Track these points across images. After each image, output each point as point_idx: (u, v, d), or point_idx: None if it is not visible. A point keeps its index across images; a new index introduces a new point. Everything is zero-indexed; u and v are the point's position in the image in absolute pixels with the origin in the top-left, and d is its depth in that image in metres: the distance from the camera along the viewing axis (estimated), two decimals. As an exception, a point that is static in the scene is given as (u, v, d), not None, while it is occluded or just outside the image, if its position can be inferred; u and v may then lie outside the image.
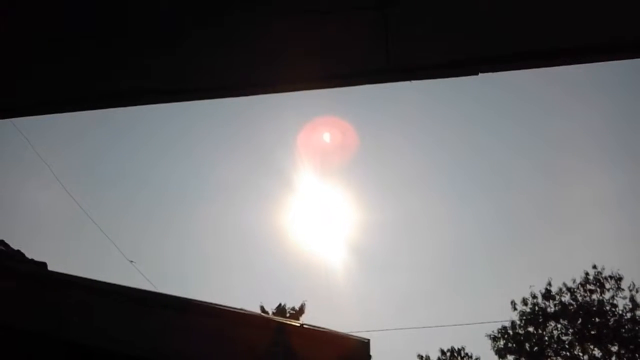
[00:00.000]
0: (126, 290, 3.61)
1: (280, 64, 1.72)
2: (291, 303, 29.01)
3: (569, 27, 1.48)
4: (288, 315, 27.40)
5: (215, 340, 3.22)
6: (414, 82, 1.59)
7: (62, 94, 2.55)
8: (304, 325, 3.44)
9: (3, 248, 4.52)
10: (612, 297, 26.49)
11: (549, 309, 27.44)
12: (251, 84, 1.84)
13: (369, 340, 3.36)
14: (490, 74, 1.53)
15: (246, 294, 35.20)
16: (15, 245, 4.76)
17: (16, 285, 3.73)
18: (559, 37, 1.44)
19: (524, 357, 27.29)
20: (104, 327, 3.44)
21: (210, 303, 3.54)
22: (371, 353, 3.38)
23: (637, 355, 25.41)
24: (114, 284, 3.70)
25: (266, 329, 3.36)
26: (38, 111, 2.54)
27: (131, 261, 15.48)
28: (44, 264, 4.19)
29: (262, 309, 26.99)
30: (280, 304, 28.64)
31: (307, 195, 32.36)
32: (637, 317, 25.58)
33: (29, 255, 4.61)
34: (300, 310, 28.66)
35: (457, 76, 1.54)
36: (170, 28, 1.89)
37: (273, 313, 26.71)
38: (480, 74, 1.52)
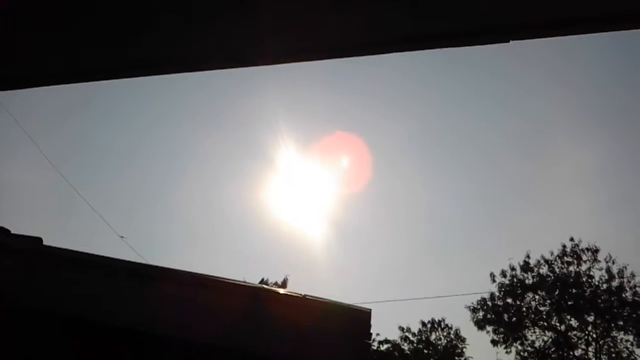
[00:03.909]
0: (119, 263, 3.61)
1: (304, 31, 1.68)
2: (273, 278, 29.18)
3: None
4: (271, 289, 27.51)
5: (208, 310, 3.22)
6: (441, 50, 1.57)
7: (64, 65, 2.49)
8: (306, 296, 3.46)
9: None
10: (589, 269, 27.04)
11: (527, 281, 27.93)
12: (271, 54, 1.80)
13: (370, 310, 3.39)
14: (521, 41, 1.51)
15: (228, 268, 35.35)
16: (2, 223, 4.68)
17: (11, 261, 3.69)
18: (600, 3, 1.42)
19: (503, 328, 27.82)
20: (99, 299, 3.42)
21: (208, 275, 3.53)
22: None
23: (612, 325, 26.07)
24: (108, 257, 3.68)
25: (268, 300, 3.37)
26: (42, 82, 2.48)
27: (122, 236, 15.46)
28: (40, 239, 4.14)
29: (245, 284, 27.07)
30: (262, 279, 28.78)
31: (288, 171, 32.41)
32: (613, 288, 26.16)
33: (17, 233, 4.53)
34: (283, 285, 28.83)
35: (487, 43, 1.51)
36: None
37: (256, 288, 26.80)
38: (511, 42, 1.50)
